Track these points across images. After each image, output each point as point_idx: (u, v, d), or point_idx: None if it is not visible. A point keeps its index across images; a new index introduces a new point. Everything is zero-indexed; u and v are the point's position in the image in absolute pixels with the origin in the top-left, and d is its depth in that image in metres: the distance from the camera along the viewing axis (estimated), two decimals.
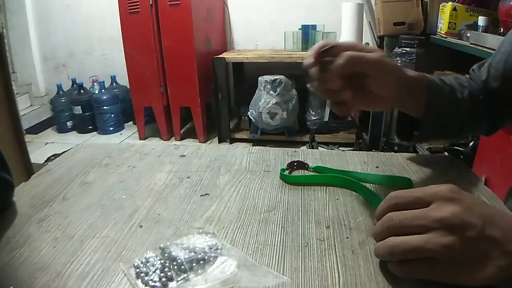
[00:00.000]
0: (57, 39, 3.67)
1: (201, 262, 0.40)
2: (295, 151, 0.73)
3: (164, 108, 2.96)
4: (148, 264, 0.40)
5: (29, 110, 3.69)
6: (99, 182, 0.62)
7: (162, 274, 0.39)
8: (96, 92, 3.34)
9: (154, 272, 0.39)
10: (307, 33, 2.89)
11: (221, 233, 0.47)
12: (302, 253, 0.43)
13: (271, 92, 2.68)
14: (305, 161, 0.66)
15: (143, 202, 0.55)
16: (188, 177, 0.63)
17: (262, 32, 3.28)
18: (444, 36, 2.32)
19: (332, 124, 2.87)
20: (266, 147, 0.75)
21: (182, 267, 0.39)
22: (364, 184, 0.56)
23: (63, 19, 3.59)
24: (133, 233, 0.48)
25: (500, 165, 1.55)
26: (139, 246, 0.45)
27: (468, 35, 1.99)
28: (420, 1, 2.51)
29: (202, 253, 0.41)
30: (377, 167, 0.66)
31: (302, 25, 2.91)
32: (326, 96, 0.54)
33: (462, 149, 2.02)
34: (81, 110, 3.31)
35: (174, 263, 0.40)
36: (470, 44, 1.93)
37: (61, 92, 3.44)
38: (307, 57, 0.53)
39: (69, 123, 3.40)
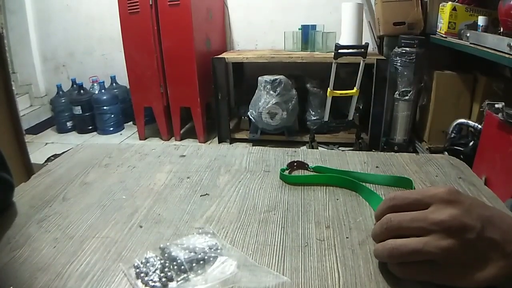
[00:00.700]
0: (57, 39, 3.67)
1: (201, 262, 0.40)
2: (295, 151, 0.73)
3: (164, 108, 2.96)
4: (148, 264, 0.40)
5: (29, 110, 3.69)
6: (99, 182, 0.62)
7: (162, 274, 0.39)
8: (96, 92, 3.34)
9: (154, 272, 0.39)
10: (307, 33, 2.89)
11: (221, 233, 0.47)
12: (302, 253, 0.43)
13: (271, 92, 2.68)
14: (305, 161, 0.66)
15: (143, 202, 0.55)
16: (188, 177, 0.63)
17: (262, 32, 3.28)
18: (444, 36, 2.32)
19: (332, 124, 2.86)
20: (266, 147, 0.75)
21: (182, 267, 0.40)
22: (364, 184, 0.56)
23: (63, 19, 3.59)
24: (133, 233, 0.48)
25: (500, 165, 1.55)
26: (139, 246, 0.45)
27: (468, 35, 1.99)
28: (420, 1, 2.51)
29: (202, 253, 0.41)
30: (377, 167, 0.66)
31: (302, 25, 2.92)
32: None
33: (462, 149, 2.02)
34: (81, 110, 3.31)
35: (174, 263, 0.40)
36: (470, 44, 1.93)
37: (61, 92, 3.44)
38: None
39: (69, 124, 3.40)
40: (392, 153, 0.71)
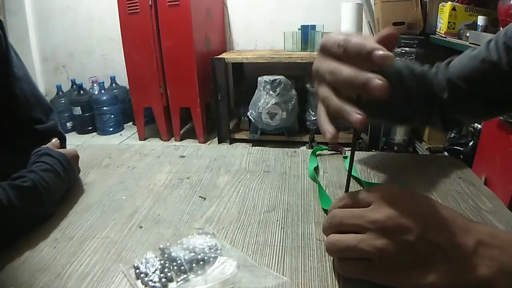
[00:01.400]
0: (57, 40, 3.67)
1: (201, 262, 0.40)
2: (295, 151, 0.73)
3: (163, 108, 2.96)
4: (148, 264, 0.40)
5: None
6: (99, 183, 0.62)
7: (162, 275, 0.39)
8: (96, 92, 3.34)
9: (154, 272, 0.39)
10: (307, 33, 2.89)
11: (221, 234, 0.47)
12: (302, 254, 0.43)
13: (271, 92, 2.68)
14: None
15: (143, 203, 0.55)
16: (188, 178, 0.63)
17: (262, 32, 3.28)
18: (443, 35, 2.32)
19: None
20: (265, 147, 0.75)
21: (182, 267, 0.40)
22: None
23: (63, 20, 3.59)
24: (133, 234, 0.48)
25: (500, 165, 1.55)
26: (139, 247, 0.45)
27: (468, 34, 1.99)
28: (419, 1, 2.51)
29: (202, 254, 0.41)
30: (376, 167, 0.66)
31: (301, 25, 2.91)
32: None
33: (462, 149, 2.02)
34: (81, 110, 3.31)
35: (174, 263, 0.40)
36: (470, 43, 1.93)
37: (60, 92, 3.44)
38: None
39: (68, 124, 3.40)
40: (392, 153, 0.71)
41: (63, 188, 0.55)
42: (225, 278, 0.39)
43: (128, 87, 3.14)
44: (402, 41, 2.42)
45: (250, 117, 2.81)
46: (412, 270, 0.33)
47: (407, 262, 0.34)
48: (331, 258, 0.42)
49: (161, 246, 0.43)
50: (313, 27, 2.89)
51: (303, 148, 1.30)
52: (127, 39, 2.84)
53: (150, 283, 0.38)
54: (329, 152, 0.71)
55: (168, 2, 2.65)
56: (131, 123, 3.49)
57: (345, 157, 0.68)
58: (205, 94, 2.91)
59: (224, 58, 2.77)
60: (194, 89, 2.82)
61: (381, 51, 0.34)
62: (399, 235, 0.34)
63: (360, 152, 0.72)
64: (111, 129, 3.35)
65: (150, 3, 2.69)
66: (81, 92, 3.34)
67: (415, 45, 2.37)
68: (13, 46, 0.65)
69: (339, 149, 0.70)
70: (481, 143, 1.77)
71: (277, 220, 0.50)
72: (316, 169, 0.64)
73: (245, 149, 0.75)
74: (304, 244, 0.45)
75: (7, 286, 0.39)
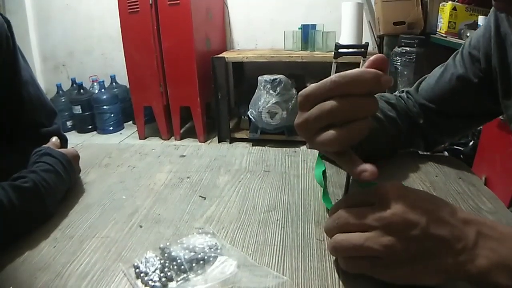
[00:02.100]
0: (57, 39, 3.67)
1: (201, 262, 0.40)
2: (295, 151, 0.73)
3: (164, 107, 2.96)
4: (148, 264, 0.40)
5: None
6: (99, 182, 0.62)
7: (162, 274, 0.39)
8: (96, 91, 3.34)
9: (154, 272, 0.39)
10: (307, 32, 2.89)
11: (221, 233, 0.47)
12: (302, 253, 0.43)
13: (271, 91, 2.68)
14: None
15: (143, 202, 0.55)
16: (188, 177, 0.63)
17: (262, 31, 3.28)
18: (444, 35, 2.32)
19: None
20: (266, 147, 0.76)
21: (182, 267, 0.40)
22: None
23: (63, 19, 3.59)
24: (133, 233, 0.48)
25: (500, 165, 1.55)
26: (139, 246, 0.45)
27: (468, 34, 1.99)
28: (420, 0, 2.50)
29: (202, 253, 0.41)
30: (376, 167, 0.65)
31: (301, 25, 2.91)
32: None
33: (462, 149, 2.01)
34: (81, 109, 3.30)
35: (174, 263, 0.40)
36: None
37: (60, 91, 3.44)
38: None
39: (68, 123, 3.40)
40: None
41: (63, 188, 0.55)
42: (225, 277, 0.39)
43: (128, 86, 3.14)
44: (402, 40, 2.42)
45: (250, 117, 2.81)
46: (418, 264, 0.34)
47: (414, 257, 0.34)
48: (332, 257, 0.42)
49: (161, 245, 0.43)
50: (314, 26, 2.88)
51: (303, 147, 1.30)
52: (127, 38, 2.84)
53: (150, 282, 0.38)
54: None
55: (168, 1, 2.65)
56: (131, 122, 3.49)
57: None
58: (205, 93, 2.91)
59: (224, 57, 2.77)
60: (194, 88, 2.81)
61: (385, 76, 0.36)
62: (406, 231, 0.34)
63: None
64: (111, 128, 3.35)
65: (150, 2, 2.69)
66: (81, 91, 3.34)
67: (415, 45, 2.37)
68: None
69: None
70: (481, 143, 1.77)
71: (277, 220, 0.50)
72: (324, 173, 0.63)
73: (245, 148, 0.75)
74: (304, 243, 0.45)
75: (7, 285, 0.39)
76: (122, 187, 0.60)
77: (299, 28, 2.93)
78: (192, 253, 0.41)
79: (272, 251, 0.43)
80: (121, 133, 3.36)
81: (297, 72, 2.93)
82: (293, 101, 2.74)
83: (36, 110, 0.65)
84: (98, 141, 3.19)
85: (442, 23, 2.34)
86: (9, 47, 0.60)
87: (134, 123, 3.33)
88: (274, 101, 2.67)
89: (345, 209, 0.39)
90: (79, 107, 3.30)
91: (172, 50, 2.77)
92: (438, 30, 2.43)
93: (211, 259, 0.41)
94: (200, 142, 3.00)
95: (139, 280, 0.39)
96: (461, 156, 1.94)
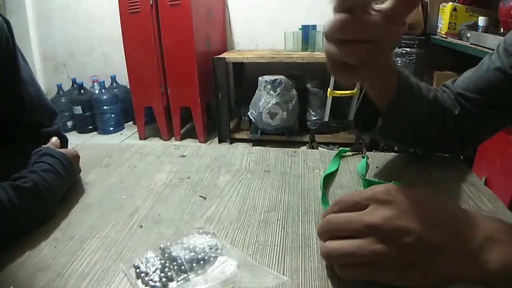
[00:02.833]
0: (57, 39, 3.67)
1: (201, 262, 0.40)
2: (295, 151, 0.73)
3: (164, 108, 2.96)
4: (148, 264, 0.40)
5: None
6: (99, 182, 0.62)
7: (162, 274, 0.39)
8: (96, 92, 3.35)
9: (154, 272, 0.39)
10: (307, 33, 2.89)
11: (221, 233, 0.47)
12: (302, 254, 0.43)
13: (271, 92, 2.68)
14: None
15: (143, 202, 0.55)
16: (188, 177, 0.63)
17: (262, 32, 3.28)
18: (444, 36, 2.32)
19: (332, 124, 2.86)
20: (266, 147, 0.75)
21: (182, 267, 0.40)
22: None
23: (63, 19, 3.59)
24: (133, 233, 0.48)
25: (500, 165, 1.55)
26: (139, 246, 0.45)
27: (468, 35, 1.99)
28: (420, 1, 2.50)
29: (202, 253, 0.41)
30: (377, 167, 0.66)
31: (302, 25, 2.91)
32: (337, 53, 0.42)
33: None
34: (81, 110, 3.31)
35: (174, 263, 0.40)
36: (470, 44, 1.93)
37: (61, 92, 3.44)
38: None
39: (69, 123, 3.40)
40: (392, 153, 0.71)
41: (64, 188, 0.55)
42: (226, 277, 0.39)
43: (128, 87, 3.14)
44: (402, 41, 2.42)
45: (251, 117, 2.81)
46: (416, 269, 0.33)
47: (409, 263, 0.33)
48: None
49: (162, 245, 0.43)
50: (314, 27, 2.88)
51: (304, 148, 1.30)
52: (128, 38, 2.84)
53: (150, 282, 0.38)
54: (352, 153, 0.71)
55: (169, 1, 2.65)
56: (131, 122, 3.50)
57: (363, 157, 0.68)
58: (205, 93, 2.91)
59: (224, 57, 2.77)
60: (195, 89, 2.82)
61: None
62: (398, 238, 0.33)
63: (376, 153, 0.72)
64: (111, 129, 3.35)
65: (151, 3, 2.69)
66: (82, 91, 3.34)
67: (415, 46, 2.37)
68: None
69: (362, 149, 0.71)
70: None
71: (278, 220, 0.50)
72: (331, 174, 0.63)
73: (246, 149, 0.75)
74: (305, 244, 0.45)
75: (7, 285, 0.39)
76: (123, 187, 0.60)
77: (299, 29, 2.93)
78: (193, 253, 0.41)
79: (272, 251, 0.43)
80: (121, 134, 3.36)
81: (297, 73, 2.93)
82: (293, 102, 2.75)
83: (36, 111, 0.65)
84: (99, 141, 3.19)
85: (443, 24, 2.34)
86: (9, 48, 0.60)
87: (134, 123, 3.33)
88: (274, 102, 2.67)
89: (336, 213, 0.38)
90: (79, 107, 3.30)
91: (172, 51, 2.77)
92: (438, 31, 2.43)
93: (211, 259, 0.41)
94: (200, 142, 3.00)
95: (140, 280, 0.39)
96: (461, 157, 1.94)
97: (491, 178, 1.58)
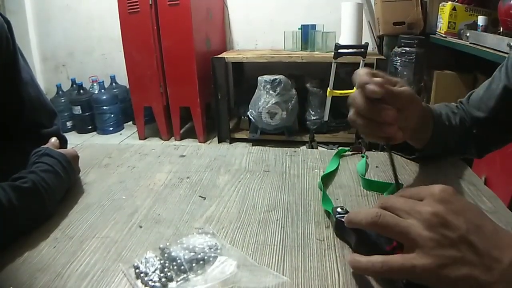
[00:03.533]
0: (57, 39, 3.67)
1: (201, 262, 0.40)
2: (295, 151, 0.73)
3: (163, 108, 2.96)
4: (148, 264, 0.40)
5: None
6: (98, 183, 0.62)
7: (162, 274, 0.39)
8: (96, 92, 3.34)
9: (154, 272, 0.39)
10: (307, 33, 2.89)
11: (221, 233, 0.47)
12: (302, 253, 0.43)
13: (271, 92, 2.68)
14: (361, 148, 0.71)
15: (142, 202, 0.55)
16: (188, 177, 0.63)
17: (262, 32, 3.28)
18: (443, 35, 2.32)
19: (332, 124, 2.86)
20: (265, 147, 0.76)
21: (182, 267, 0.40)
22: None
23: (63, 19, 3.59)
24: (133, 233, 0.48)
25: (500, 165, 1.55)
26: (139, 247, 0.45)
27: (468, 34, 1.99)
28: (419, 0, 2.50)
29: (201, 253, 0.41)
30: (377, 167, 0.66)
31: (301, 25, 2.91)
32: (375, 135, 0.52)
33: None
34: (81, 110, 3.30)
35: (174, 263, 0.40)
36: (470, 43, 1.93)
37: (60, 92, 3.44)
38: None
39: (68, 123, 3.39)
40: (392, 152, 0.71)
41: (63, 188, 0.55)
42: (225, 277, 0.39)
43: (128, 87, 3.14)
44: (402, 41, 2.42)
45: (250, 117, 2.81)
46: (450, 268, 0.33)
47: (445, 257, 0.33)
48: (331, 257, 0.42)
49: (161, 245, 0.43)
50: (313, 26, 2.88)
51: (303, 147, 1.30)
52: (127, 38, 2.84)
53: (150, 282, 0.38)
54: (351, 153, 0.71)
55: (168, 1, 2.65)
56: (131, 122, 3.49)
57: (362, 156, 0.69)
58: (205, 93, 2.91)
59: (224, 57, 2.77)
60: (194, 89, 2.81)
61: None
62: (442, 230, 0.34)
63: (376, 152, 0.72)
64: (111, 129, 3.35)
65: (150, 3, 2.69)
66: (81, 91, 3.33)
67: (415, 45, 2.37)
68: None
69: (361, 149, 0.72)
70: None
71: (277, 220, 0.50)
72: (331, 174, 0.63)
73: (245, 148, 0.75)
74: (304, 243, 0.45)
75: (7, 285, 0.39)
76: (122, 187, 0.60)
77: (299, 29, 2.93)
78: (192, 253, 0.41)
79: (272, 251, 0.43)
80: (121, 134, 3.36)
81: (297, 73, 2.93)
82: (293, 102, 2.74)
83: (36, 111, 0.65)
84: (98, 141, 3.19)
85: (442, 23, 2.34)
86: (9, 48, 0.60)
87: (134, 123, 3.33)
88: (274, 102, 2.67)
89: (398, 195, 0.40)
90: (79, 107, 3.29)
91: (172, 50, 2.77)
92: (437, 30, 2.43)
93: (211, 259, 0.41)
94: (200, 142, 3.00)
95: (139, 280, 0.39)
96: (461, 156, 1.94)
97: (491, 178, 1.58)
